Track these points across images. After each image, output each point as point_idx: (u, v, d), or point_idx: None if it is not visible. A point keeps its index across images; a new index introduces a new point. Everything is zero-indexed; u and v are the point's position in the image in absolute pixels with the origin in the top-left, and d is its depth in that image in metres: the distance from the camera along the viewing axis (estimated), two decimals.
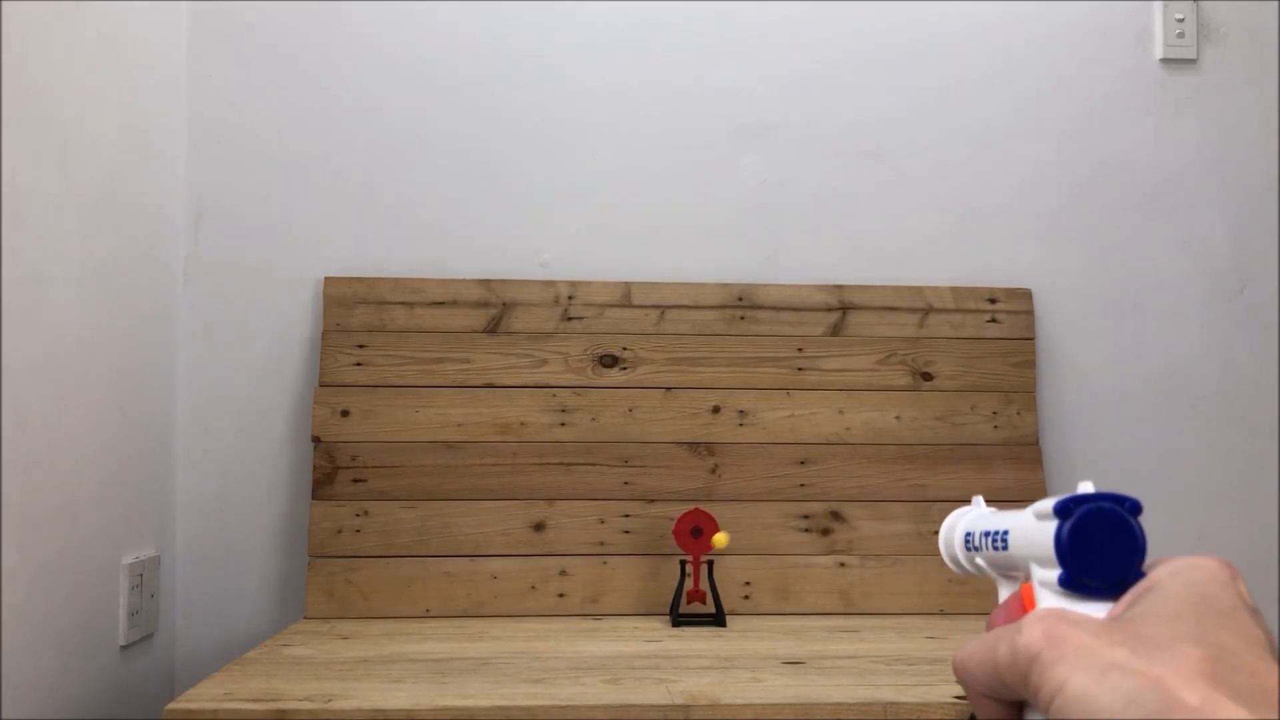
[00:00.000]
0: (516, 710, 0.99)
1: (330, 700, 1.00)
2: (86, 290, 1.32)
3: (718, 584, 1.49)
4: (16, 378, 1.14)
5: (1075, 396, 1.72)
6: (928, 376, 1.66)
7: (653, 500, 1.59)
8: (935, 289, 1.68)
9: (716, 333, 1.65)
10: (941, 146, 1.75)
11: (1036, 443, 1.65)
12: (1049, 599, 0.38)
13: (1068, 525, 0.37)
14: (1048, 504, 0.39)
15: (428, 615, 1.52)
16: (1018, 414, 1.66)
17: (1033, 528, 0.40)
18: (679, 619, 1.47)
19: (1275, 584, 1.71)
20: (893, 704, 1.00)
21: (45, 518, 1.21)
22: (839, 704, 1.00)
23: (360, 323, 1.61)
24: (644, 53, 1.73)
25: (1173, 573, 0.35)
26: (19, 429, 1.14)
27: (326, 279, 1.62)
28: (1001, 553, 0.44)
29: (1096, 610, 0.36)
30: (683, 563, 1.49)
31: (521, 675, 1.12)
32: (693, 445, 1.61)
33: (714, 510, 1.55)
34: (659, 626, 1.45)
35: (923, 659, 1.22)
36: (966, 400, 1.65)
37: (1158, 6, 1.77)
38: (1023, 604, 0.41)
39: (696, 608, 1.48)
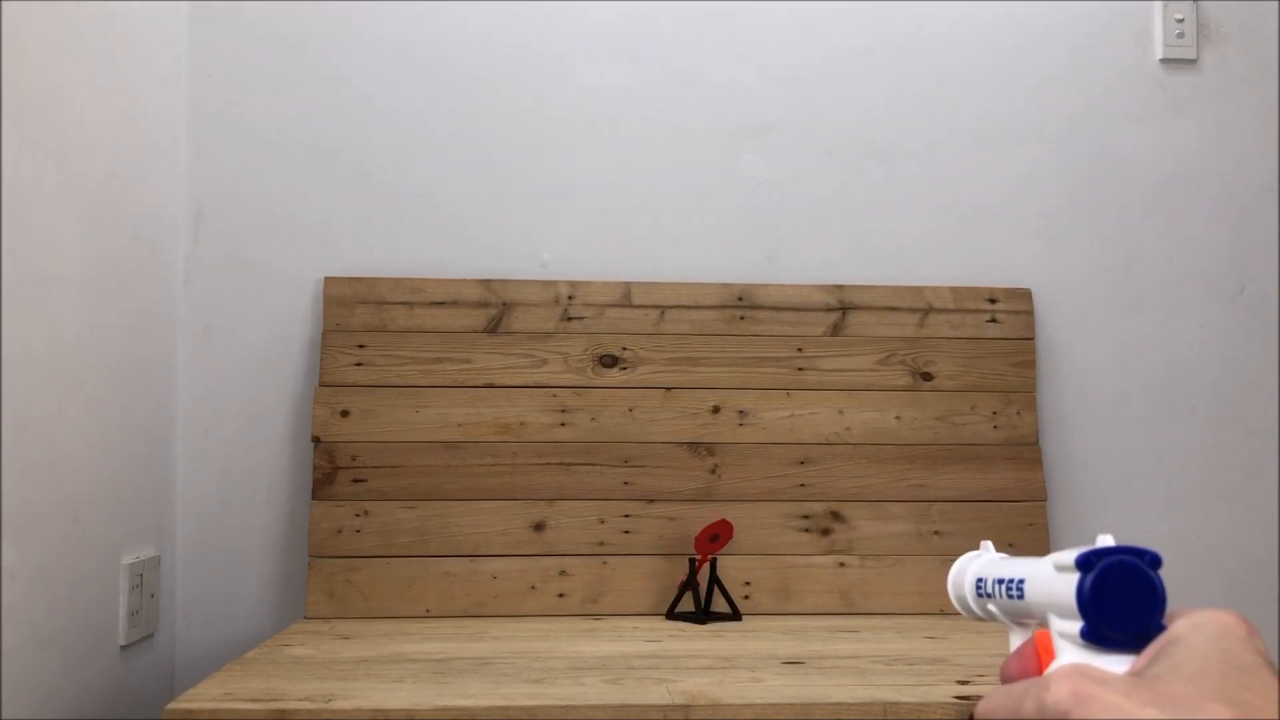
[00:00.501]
0: (516, 710, 0.99)
1: (330, 700, 1.00)
2: (86, 289, 1.32)
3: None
4: (16, 377, 1.14)
5: (1075, 396, 1.72)
6: (928, 376, 1.66)
7: (653, 500, 1.59)
8: (935, 289, 1.68)
9: (716, 333, 1.65)
10: (941, 146, 1.75)
11: (1036, 443, 1.65)
12: (1069, 651, 0.38)
13: (1090, 578, 0.37)
14: (1068, 556, 0.39)
15: (428, 615, 1.52)
16: (1018, 414, 1.66)
17: (1051, 579, 0.41)
18: (682, 616, 1.49)
19: (1275, 584, 1.71)
20: (893, 704, 1.00)
21: (45, 517, 1.21)
22: (839, 704, 1.00)
23: (360, 322, 1.61)
24: (644, 53, 1.73)
25: (1193, 626, 0.35)
26: (19, 428, 1.14)
27: (326, 279, 1.62)
28: (1017, 601, 0.44)
29: (1118, 663, 0.36)
30: (691, 561, 1.50)
31: (521, 675, 1.12)
32: (693, 445, 1.61)
33: (714, 510, 1.55)
34: (659, 626, 1.45)
35: (923, 659, 1.22)
36: (966, 400, 1.65)
37: (1157, 6, 1.77)
38: (1037, 652, 0.42)
39: (687, 605, 1.48)
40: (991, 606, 0.48)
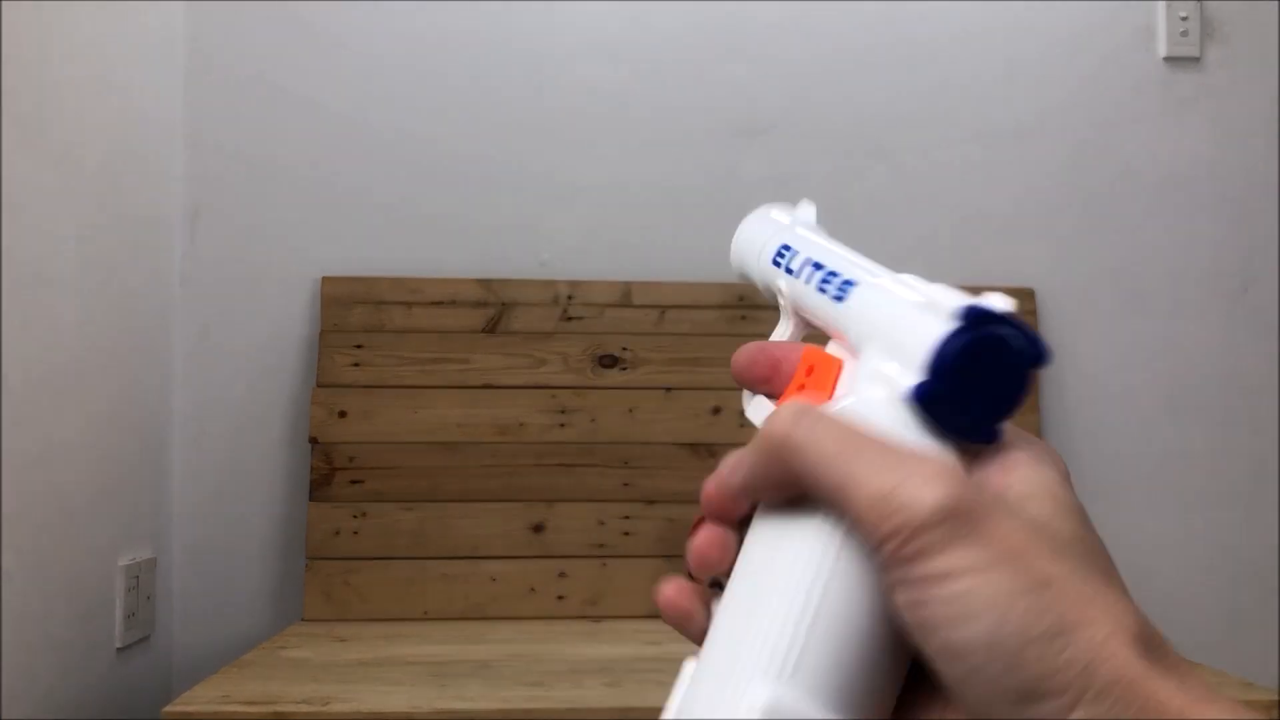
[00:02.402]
0: (516, 713, 0.98)
1: (328, 703, 0.99)
2: (83, 292, 1.31)
3: None
4: (13, 379, 1.13)
5: (1077, 396, 1.72)
6: None
7: (653, 502, 1.58)
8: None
9: (717, 333, 1.64)
10: (943, 146, 1.74)
11: None
12: (873, 404, 0.29)
13: (966, 338, 0.28)
14: (948, 298, 0.29)
15: (426, 617, 1.51)
16: (1018, 414, 1.65)
17: (901, 305, 0.30)
18: None
19: (1276, 584, 1.70)
20: None
21: (42, 519, 1.20)
22: None
23: (358, 323, 1.60)
24: (644, 52, 1.72)
25: (1029, 496, 0.28)
26: (16, 430, 1.14)
27: (324, 279, 1.61)
28: (829, 302, 0.33)
29: (932, 447, 0.28)
30: None
31: (521, 678, 1.11)
32: (693, 446, 1.60)
33: None
34: (659, 629, 1.44)
35: None
36: None
37: (1161, 5, 1.76)
38: (811, 370, 0.32)
39: None
40: (782, 283, 0.36)
